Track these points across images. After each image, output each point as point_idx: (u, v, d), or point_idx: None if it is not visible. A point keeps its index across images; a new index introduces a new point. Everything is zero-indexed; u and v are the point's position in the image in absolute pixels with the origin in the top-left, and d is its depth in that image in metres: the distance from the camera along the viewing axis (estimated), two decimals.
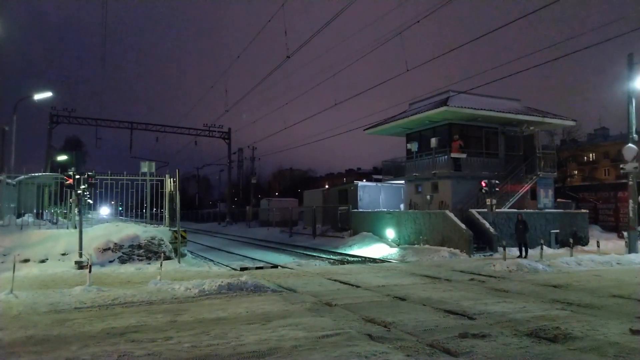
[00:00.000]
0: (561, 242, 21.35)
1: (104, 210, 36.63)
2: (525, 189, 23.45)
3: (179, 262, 14.88)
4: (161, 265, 12.35)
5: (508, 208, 22.02)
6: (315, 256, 21.70)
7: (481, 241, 19.74)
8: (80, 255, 13.30)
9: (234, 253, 24.16)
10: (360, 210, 28.82)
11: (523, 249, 17.75)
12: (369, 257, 20.18)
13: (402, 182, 27.95)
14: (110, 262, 14.07)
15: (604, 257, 16.29)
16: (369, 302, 8.98)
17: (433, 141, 23.64)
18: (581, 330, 6.69)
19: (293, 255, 23.06)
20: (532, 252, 17.91)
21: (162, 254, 14.10)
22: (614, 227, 26.05)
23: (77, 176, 13.43)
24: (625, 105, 18.64)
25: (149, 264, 14.24)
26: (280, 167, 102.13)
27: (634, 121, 18.59)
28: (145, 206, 17.74)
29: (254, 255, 22.66)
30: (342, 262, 18.77)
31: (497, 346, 5.90)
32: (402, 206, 28.42)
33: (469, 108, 22.93)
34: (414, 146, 25.59)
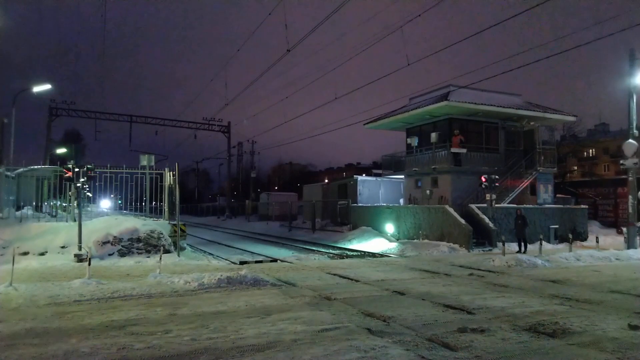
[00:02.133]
0: (560, 238, 21.39)
1: (105, 204, 36.62)
2: (525, 184, 23.45)
3: (179, 255, 14.89)
4: (160, 258, 12.36)
5: (508, 203, 22.02)
6: (314, 250, 21.73)
7: (480, 236, 19.76)
8: (80, 248, 13.30)
9: (233, 247, 24.19)
10: (360, 204, 28.83)
11: (522, 244, 17.77)
12: (368, 252, 20.20)
13: (402, 176, 27.94)
14: (110, 255, 14.08)
15: (603, 252, 16.31)
16: (368, 296, 8.99)
17: (433, 136, 23.60)
18: (580, 326, 6.70)
19: (292, 249, 23.10)
20: (531, 248, 17.93)
21: (162, 247, 14.11)
22: (613, 222, 26.08)
23: (77, 169, 13.41)
24: (626, 101, 18.60)
25: (149, 257, 14.25)
26: (279, 161, 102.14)
27: (634, 117, 18.55)
28: (145, 199, 17.72)
29: (253, 249, 22.69)
30: (341, 257, 18.80)
31: (496, 341, 5.91)
32: (401, 201, 28.44)
33: (469, 103, 22.88)
34: (414, 141, 25.53)
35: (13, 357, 5.17)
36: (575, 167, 54.18)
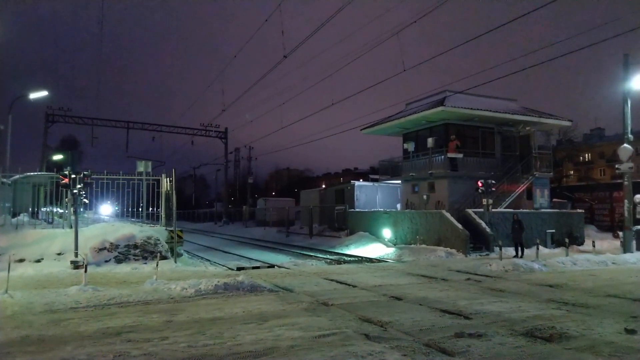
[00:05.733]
0: (557, 242, 21.43)
1: (104, 210, 36.30)
2: (522, 189, 23.52)
3: (175, 261, 14.85)
4: (157, 265, 12.28)
5: (504, 208, 22.07)
6: (312, 256, 21.70)
7: (477, 241, 19.78)
8: (76, 254, 13.25)
9: (230, 253, 24.13)
10: (357, 210, 28.83)
11: (519, 248, 17.78)
12: (365, 257, 20.19)
13: (399, 182, 27.98)
14: (106, 261, 14.03)
15: (600, 256, 16.35)
16: (366, 301, 8.98)
17: (430, 141, 23.68)
18: (577, 330, 6.72)
19: (290, 255, 23.05)
20: (528, 252, 17.96)
21: (159, 253, 14.07)
22: (610, 227, 26.16)
23: (73, 175, 13.38)
24: (621, 106, 18.72)
25: (145, 263, 14.20)
26: (277, 167, 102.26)
27: (629, 121, 18.67)
28: (142, 206, 17.68)
29: (250, 255, 22.64)
30: (338, 262, 18.78)
31: (493, 346, 5.91)
32: (398, 206, 28.46)
33: (465, 108, 22.98)
34: (410, 146, 25.62)
35: None
36: (572, 172, 54.38)
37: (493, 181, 20.75)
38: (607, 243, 22.08)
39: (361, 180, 38.64)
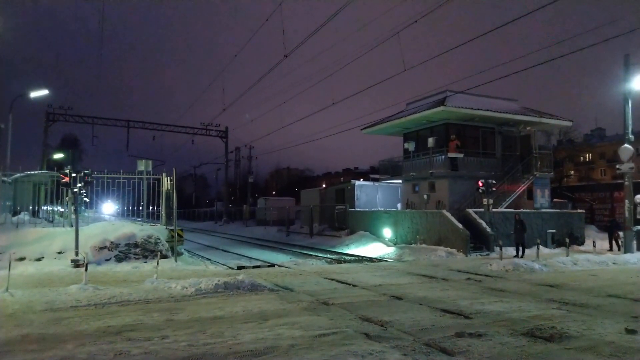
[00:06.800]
0: (557, 242, 21.42)
1: (107, 208, 36.11)
2: (522, 189, 23.51)
3: (176, 260, 14.85)
4: (158, 263, 12.29)
5: (505, 208, 22.06)
6: (312, 255, 21.70)
7: (478, 241, 19.78)
8: (77, 253, 13.26)
9: (231, 252, 24.15)
10: (358, 209, 28.83)
11: (520, 248, 17.77)
12: (366, 257, 20.19)
13: (399, 181, 27.98)
14: (107, 260, 14.03)
15: (600, 257, 16.35)
16: (366, 301, 8.98)
17: (430, 141, 23.67)
18: (577, 330, 6.71)
19: (290, 254, 23.06)
20: (529, 252, 17.95)
21: (159, 252, 14.08)
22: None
23: (74, 174, 13.39)
24: (622, 106, 18.70)
25: (146, 262, 14.21)
26: (277, 166, 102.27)
27: (630, 122, 18.65)
28: (142, 205, 17.68)
29: (251, 254, 22.65)
30: (339, 261, 18.78)
31: (494, 345, 5.91)
32: (399, 206, 28.46)
33: (466, 108, 22.96)
34: (411, 146, 25.61)
35: None
36: (572, 172, 54.37)
37: (493, 181, 20.74)
38: (608, 243, 22.07)
39: (362, 179, 38.61)
